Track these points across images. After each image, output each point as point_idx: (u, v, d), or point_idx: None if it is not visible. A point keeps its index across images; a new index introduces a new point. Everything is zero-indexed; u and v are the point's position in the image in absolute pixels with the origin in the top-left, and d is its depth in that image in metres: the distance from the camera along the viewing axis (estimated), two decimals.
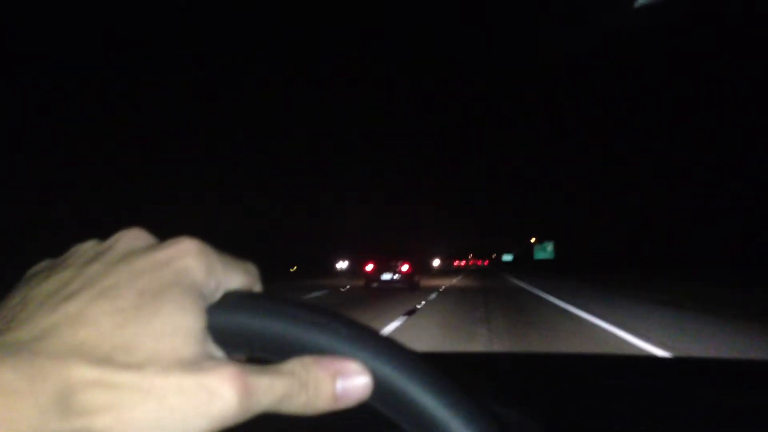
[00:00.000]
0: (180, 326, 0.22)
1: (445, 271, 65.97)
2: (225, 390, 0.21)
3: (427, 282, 24.54)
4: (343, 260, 51.35)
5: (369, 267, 19.27)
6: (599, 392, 0.80)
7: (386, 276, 18.30)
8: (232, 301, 0.26)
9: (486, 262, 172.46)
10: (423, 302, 13.25)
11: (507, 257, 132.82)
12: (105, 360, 0.21)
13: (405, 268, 18.30)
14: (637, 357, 2.13)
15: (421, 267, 24.25)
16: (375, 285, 19.03)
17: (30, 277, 0.26)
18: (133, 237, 0.27)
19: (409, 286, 18.12)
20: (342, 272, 46.92)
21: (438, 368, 0.26)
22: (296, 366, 0.24)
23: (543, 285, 21.43)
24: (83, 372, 0.20)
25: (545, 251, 75.24)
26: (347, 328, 0.26)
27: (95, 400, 0.20)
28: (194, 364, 0.22)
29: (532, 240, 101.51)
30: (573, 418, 0.65)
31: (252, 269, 0.28)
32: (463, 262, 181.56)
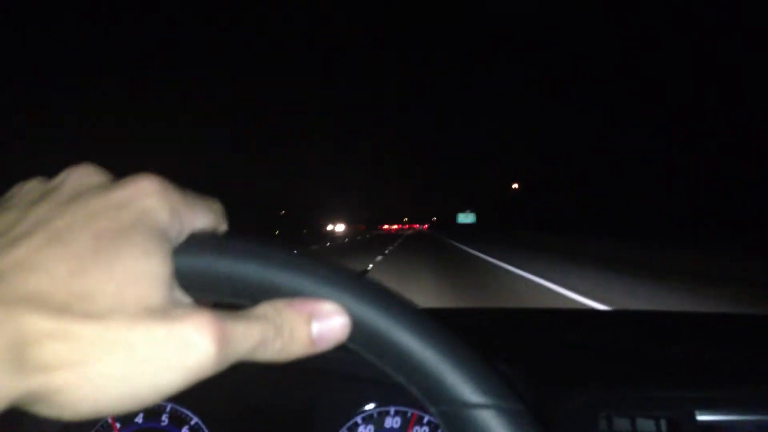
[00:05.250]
0: (145, 272, 0.20)
1: (363, 241, 32.53)
2: (201, 339, 0.20)
3: None
4: None
5: None
6: (561, 345, 0.83)
7: None
8: (198, 242, 0.24)
9: (425, 227, 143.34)
10: None
11: (466, 218, 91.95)
12: (62, 309, 0.19)
13: None
14: (581, 310, 2.22)
15: None
16: None
17: None
18: (84, 174, 0.24)
19: None
20: None
21: (422, 310, 0.25)
22: (268, 310, 0.23)
23: None
24: (37, 322, 0.18)
25: None
26: (323, 267, 0.25)
27: (54, 354, 0.18)
28: (164, 312, 0.20)
29: (515, 186, 64.37)
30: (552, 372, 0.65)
31: (217, 207, 0.26)
32: (395, 227, 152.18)
